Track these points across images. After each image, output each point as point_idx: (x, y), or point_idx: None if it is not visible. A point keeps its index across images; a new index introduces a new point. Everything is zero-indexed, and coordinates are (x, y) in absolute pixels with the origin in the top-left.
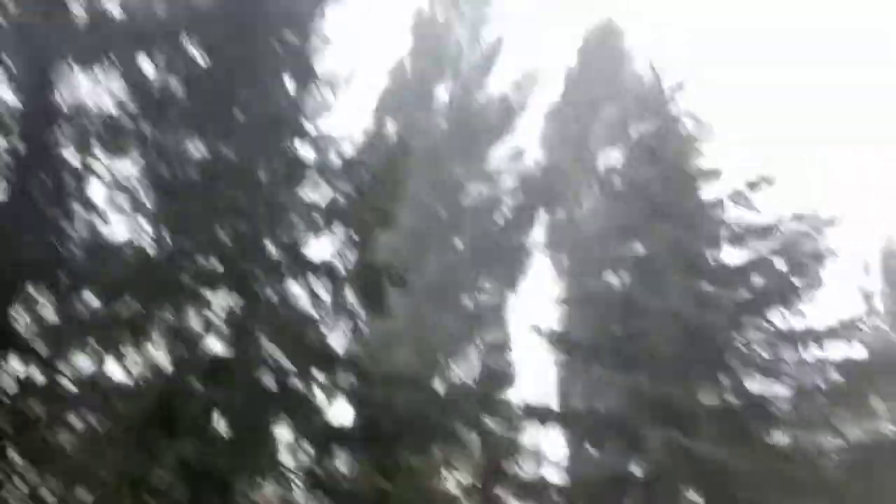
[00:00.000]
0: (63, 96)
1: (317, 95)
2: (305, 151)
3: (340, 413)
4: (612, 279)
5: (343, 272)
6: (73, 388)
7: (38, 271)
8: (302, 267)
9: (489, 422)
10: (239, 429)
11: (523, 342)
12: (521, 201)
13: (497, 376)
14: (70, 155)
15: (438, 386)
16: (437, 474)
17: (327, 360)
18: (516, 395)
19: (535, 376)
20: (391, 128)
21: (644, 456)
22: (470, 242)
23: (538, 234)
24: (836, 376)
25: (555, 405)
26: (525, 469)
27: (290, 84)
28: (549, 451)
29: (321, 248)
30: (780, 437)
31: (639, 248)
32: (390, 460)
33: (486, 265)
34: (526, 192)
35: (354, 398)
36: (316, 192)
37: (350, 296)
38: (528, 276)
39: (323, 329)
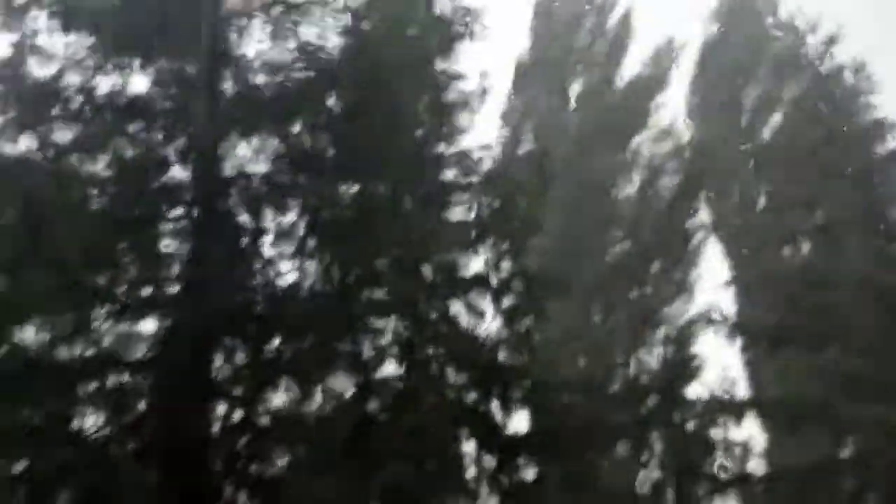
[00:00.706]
0: (228, 164)
1: (454, 119)
2: (448, 173)
3: (519, 423)
4: (789, 253)
5: (500, 284)
6: (271, 424)
7: (229, 323)
8: (460, 285)
9: (676, 417)
10: (427, 449)
11: (702, 331)
12: (678, 184)
13: (678, 370)
14: (241, 215)
15: (617, 386)
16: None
17: (498, 372)
18: (702, 387)
19: (720, 366)
20: (526, 132)
21: (853, 438)
22: (631, 235)
23: (703, 215)
24: None
25: (745, 394)
26: (720, 463)
27: (427, 113)
28: (745, 443)
29: (476, 263)
30: None
31: (814, 217)
32: (574, 465)
33: (651, 256)
34: (682, 173)
35: (531, 406)
36: (463, 210)
37: (510, 306)
38: (698, 262)
39: (489, 342)
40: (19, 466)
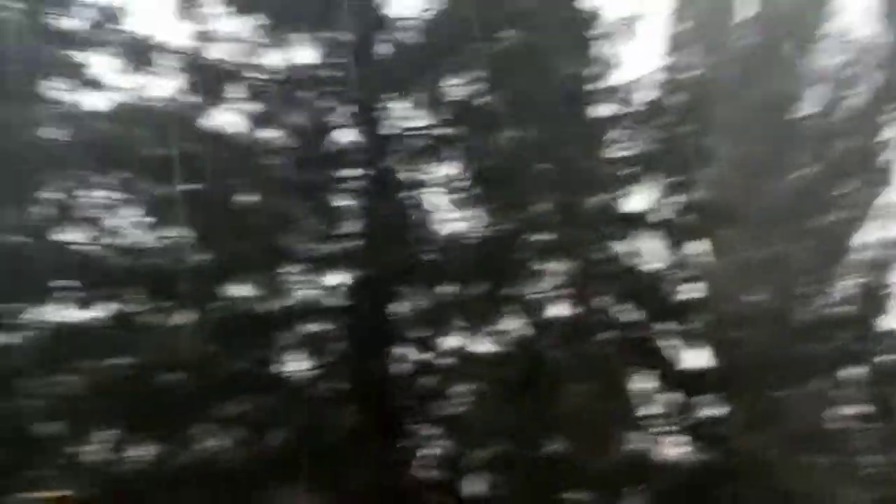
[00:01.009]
0: (389, 124)
1: (605, 50)
2: (606, 108)
3: (699, 359)
4: None
5: (670, 218)
6: (449, 364)
7: (405, 273)
8: (629, 221)
9: (871, 350)
10: (599, 384)
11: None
12: (871, 94)
13: (873, 300)
14: (405, 171)
15: (804, 318)
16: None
17: (675, 307)
18: None
19: None
20: (689, 56)
21: None
22: (815, 156)
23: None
24: None
25: None
26: None
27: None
28: None
29: (644, 198)
30: None
31: None
32: (760, 402)
33: (839, 177)
34: (874, 82)
35: (712, 342)
36: (626, 145)
37: (683, 240)
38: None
39: (663, 277)
40: (235, 409)
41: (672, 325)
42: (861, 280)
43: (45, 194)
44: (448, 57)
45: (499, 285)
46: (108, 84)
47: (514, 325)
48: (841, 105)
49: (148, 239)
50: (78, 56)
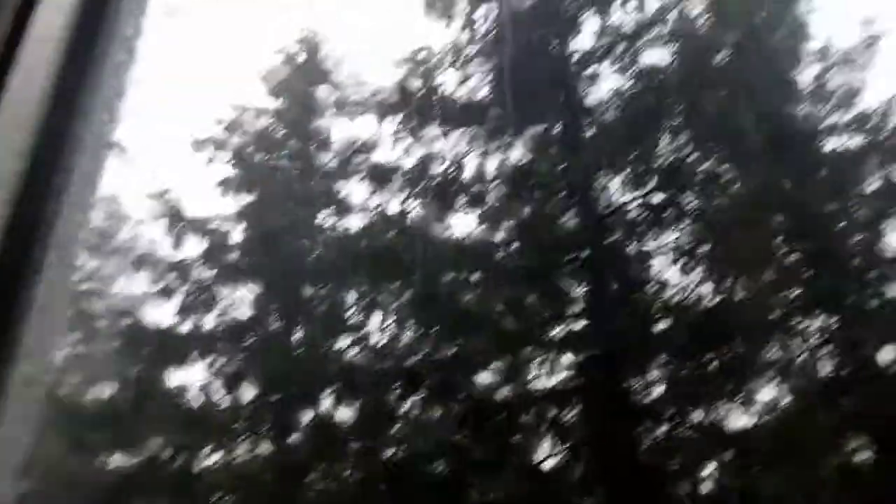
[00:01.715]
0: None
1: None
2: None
3: None
4: None
5: None
6: (697, 438)
7: (635, 346)
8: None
9: None
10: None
11: None
12: None
13: None
14: (627, 244)
15: None
16: None
17: None
18: None
19: None
20: None
21: None
22: None
23: None
24: None
25: None
26: None
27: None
28: None
29: None
30: None
31: None
32: None
33: None
34: None
35: None
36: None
37: None
38: None
39: None
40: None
41: None
42: None
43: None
44: (653, 126)
45: (753, 347)
46: (359, 205)
47: (769, 391)
48: None
49: (397, 340)
50: (335, 185)
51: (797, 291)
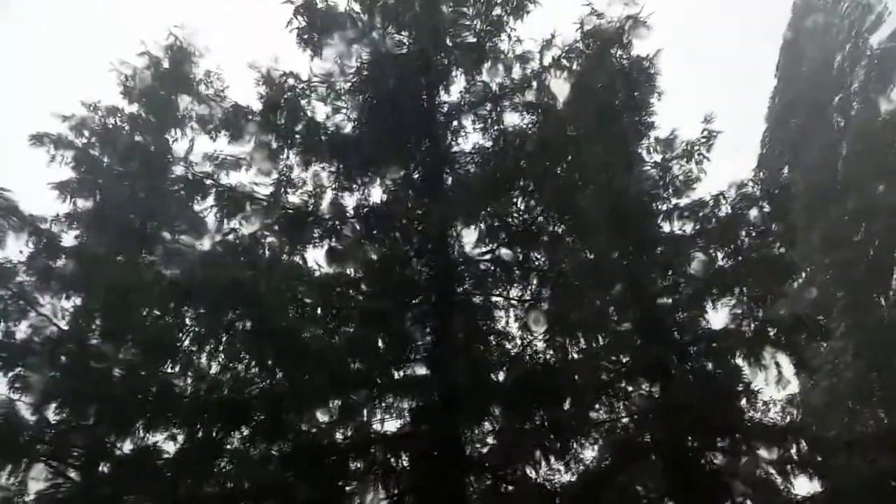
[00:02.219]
0: (456, 251)
1: (678, 166)
2: (682, 224)
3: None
4: None
5: (754, 334)
6: (516, 491)
7: (473, 397)
8: (710, 339)
9: None
10: None
11: None
12: None
13: None
14: (473, 295)
15: None
16: None
17: (771, 432)
18: None
19: None
20: (786, 172)
21: None
22: None
23: None
24: None
25: None
26: None
27: (649, 161)
28: None
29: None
30: None
31: None
32: None
33: None
34: None
35: (814, 469)
36: (702, 261)
37: (771, 359)
38: None
39: (756, 400)
40: None
41: (769, 452)
42: None
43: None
44: (509, 185)
45: (582, 408)
46: (208, 226)
47: (592, 452)
48: None
49: (229, 370)
50: (186, 203)
51: (625, 358)
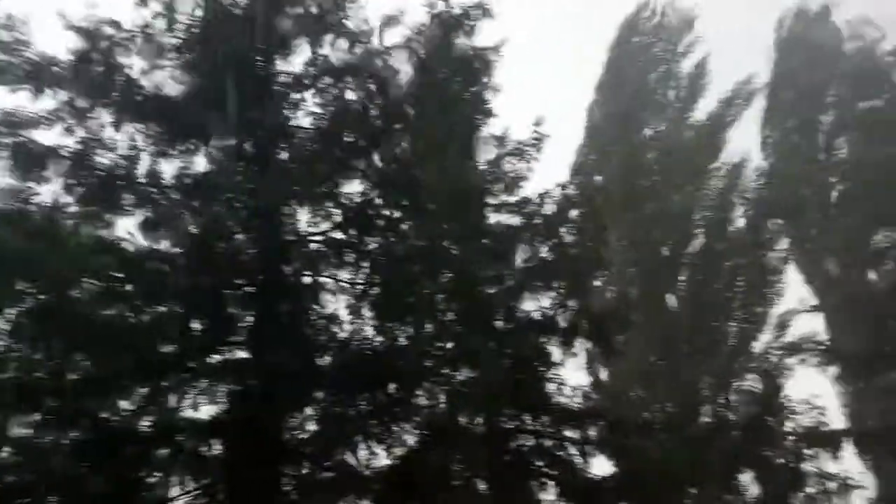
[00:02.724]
0: (288, 226)
1: (509, 164)
2: (509, 218)
3: (600, 467)
4: (875, 274)
5: (567, 325)
6: (342, 480)
7: (295, 383)
8: (529, 328)
9: (765, 452)
10: (503, 497)
11: (791, 361)
12: (754, 212)
13: (767, 403)
14: (303, 276)
15: (700, 424)
16: None
17: (574, 415)
18: (792, 419)
19: (811, 396)
20: (592, 175)
21: None
22: (708, 268)
23: (782, 243)
24: None
25: (839, 424)
26: (819, 499)
27: (483, 156)
28: (841, 475)
29: (541, 305)
30: None
31: None
32: None
33: (731, 287)
34: (759, 202)
35: (611, 449)
36: (526, 255)
37: (581, 348)
38: (781, 292)
39: (564, 385)
40: None
41: (572, 433)
42: (756, 386)
43: None
44: (347, 165)
45: (403, 395)
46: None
47: (412, 436)
48: (730, 222)
49: (13, 351)
50: None
51: (449, 344)
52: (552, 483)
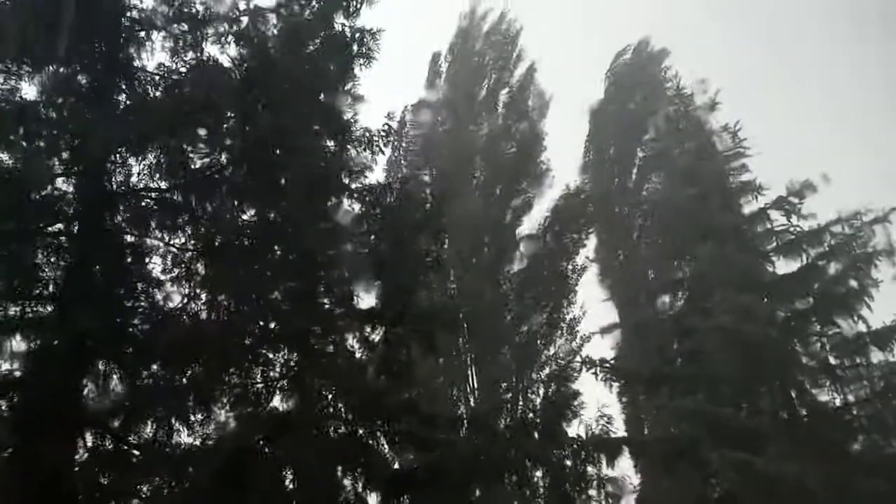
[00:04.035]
0: (116, 180)
1: (356, 152)
2: (350, 206)
3: (407, 458)
4: (664, 303)
5: (392, 318)
6: (142, 456)
7: (104, 347)
8: (356, 318)
9: (555, 454)
10: (308, 483)
11: (583, 372)
12: (563, 228)
13: (560, 409)
14: (127, 234)
15: (501, 423)
16: None
17: (388, 407)
18: (581, 426)
19: (599, 406)
20: (428, 171)
21: (716, 478)
22: (520, 274)
23: (591, 263)
24: None
25: (621, 433)
26: (596, 499)
27: (329, 144)
28: (619, 479)
29: (371, 297)
30: (856, 446)
31: (687, 270)
32: (459, 500)
33: (536, 296)
34: (568, 219)
35: (418, 443)
36: (362, 244)
37: (404, 341)
38: (582, 306)
39: (381, 377)
40: None
41: (383, 424)
42: (551, 389)
43: None
44: (195, 118)
45: (218, 371)
46: None
47: (226, 415)
48: (550, 234)
49: None
50: None
51: (273, 324)
52: (359, 471)
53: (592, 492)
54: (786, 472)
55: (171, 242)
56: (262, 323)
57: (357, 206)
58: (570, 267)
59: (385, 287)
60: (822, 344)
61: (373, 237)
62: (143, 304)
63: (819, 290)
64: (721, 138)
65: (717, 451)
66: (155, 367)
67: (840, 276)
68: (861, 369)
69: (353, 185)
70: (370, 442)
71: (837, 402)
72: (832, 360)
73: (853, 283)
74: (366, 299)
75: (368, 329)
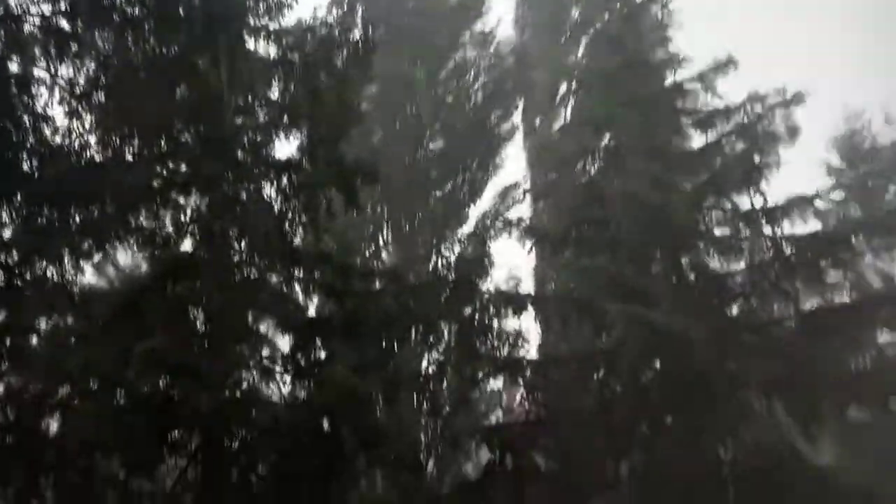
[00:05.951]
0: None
1: None
2: (266, 48)
3: (321, 307)
4: (581, 169)
5: (312, 169)
6: (40, 294)
7: None
8: (270, 166)
9: (467, 308)
10: (215, 324)
11: (498, 231)
12: (494, 88)
13: (473, 265)
14: (11, 62)
15: (416, 276)
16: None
17: (301, 256)
18: (492, 282)
19: (512, 265)
20: (355, 19)
21: (608, 331)
22: (445, 132)
23: (516, 125)
24: (790, 250)
25: (529, 290)
26: (500, 349)
27: None
28: (521, 332)
29: (288, 146)
30: (735, 309)
31: (603, 138)
32: (370, 349)
33: (461, 154)
34: (499, 79)
35: (333, 292)
36: (279, 90)
37: (322, 193)
38: (503, 166)
39: (296, 226)
40: None
41: (298, 272)
42: (467, 247)
43: None
44: None
45: (121, 212)
46: None
47: (127, 257)
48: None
49: None
50: None
51: (182, 167)
52: (271, 316)
53: (496, 342)
54: (673, 324)
55: (59, 74)
56: (171, 166)
57: (274, 50)
58: (497, 129)
59: (303, 138)
60: (718, 216)
61: (293, 85)
62: (32, 140)
63: (721, 164)
64: (650, 8)
65: (611, 306)
66: (48, 206)
67: (743, 154)
68: (750, 241)
69: (269, 25)
70: (284, 289)
71: (724, 269)
72: (726, 231)
73: (757, 161)
74: (286, 149)
75: (286, 179)
